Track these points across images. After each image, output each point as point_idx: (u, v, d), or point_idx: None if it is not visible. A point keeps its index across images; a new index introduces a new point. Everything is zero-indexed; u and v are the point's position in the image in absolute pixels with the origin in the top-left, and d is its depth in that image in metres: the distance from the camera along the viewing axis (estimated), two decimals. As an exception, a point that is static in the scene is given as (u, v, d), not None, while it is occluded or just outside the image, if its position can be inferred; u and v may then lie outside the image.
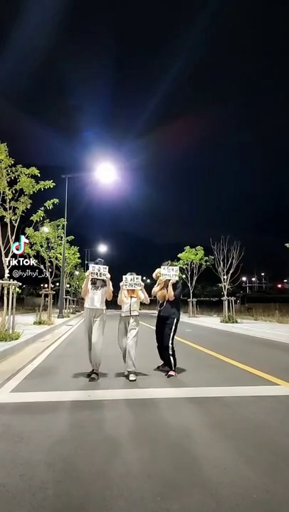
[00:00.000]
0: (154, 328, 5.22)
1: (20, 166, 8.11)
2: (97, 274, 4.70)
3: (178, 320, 4.97)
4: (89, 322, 4.68)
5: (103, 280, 4.75)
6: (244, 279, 63.96)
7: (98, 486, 1.93)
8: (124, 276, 4.83)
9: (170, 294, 4.96)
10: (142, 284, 4.87)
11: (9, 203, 8.03)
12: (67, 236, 16.05)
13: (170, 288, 4.97)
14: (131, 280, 4.81)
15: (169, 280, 4.97)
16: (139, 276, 4.88)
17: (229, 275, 16.70)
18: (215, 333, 12.11)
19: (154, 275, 5.25)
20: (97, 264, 4.77)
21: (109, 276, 4.75)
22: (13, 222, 8.15)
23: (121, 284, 4.85)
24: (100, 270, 4.71)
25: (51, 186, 8.47)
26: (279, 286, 75.08)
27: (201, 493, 1.86)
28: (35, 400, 3.55)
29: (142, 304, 5.02)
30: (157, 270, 5.20)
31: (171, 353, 4.83)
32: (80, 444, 2.49)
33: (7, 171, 7.90)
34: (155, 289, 5.14)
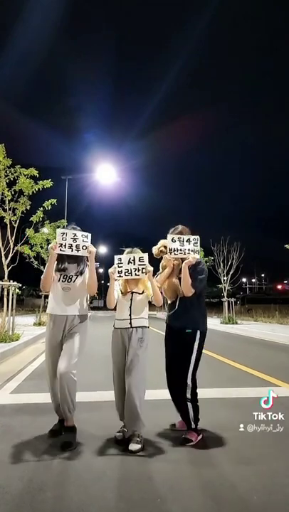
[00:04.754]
0: (161, 331, 3.20)
1: (19, 166, 8.11)
2: (70, 246, 2.56)
3: (203, 334, 2.73)
4: (54, 340, 2.58)
5: (78, 258, 2.65)
6: (244, 280, 63.95)
7: (98, 487, 1.92)
8: (116, 257, 2.66)
9: (186, 284, 2.63)
10: (151, 268, 2.63)
11: (9, 204, 8.03)
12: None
13: (185, 272, 2.62)
14: (129, 263, 2.60)
15: (183, 260, 2.68)
16: (145, 255, 2.66)
17: (229, 276, 16.71)
18: (215, 334, 12.09)
19: (154, 250, 2.93)
20: (73, 228, 2.70)
21: (94, 250, 2.66)
22: (13, 223, 8.15)
23: (110, 270, 2.65)
24: (76, 239, 2.58)
25: (49, 186, 8.45)
26: (279, 287, 75.02)
27: (202, 496, 1.85)
28: (35, 401, 3.54)
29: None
30: (162, 242, 2.91)
31: (189, 396, 2.64)
32: (80, 445, 2.48)
33: (5, 171, 7.90)
34: (159, 277, 2.84)
